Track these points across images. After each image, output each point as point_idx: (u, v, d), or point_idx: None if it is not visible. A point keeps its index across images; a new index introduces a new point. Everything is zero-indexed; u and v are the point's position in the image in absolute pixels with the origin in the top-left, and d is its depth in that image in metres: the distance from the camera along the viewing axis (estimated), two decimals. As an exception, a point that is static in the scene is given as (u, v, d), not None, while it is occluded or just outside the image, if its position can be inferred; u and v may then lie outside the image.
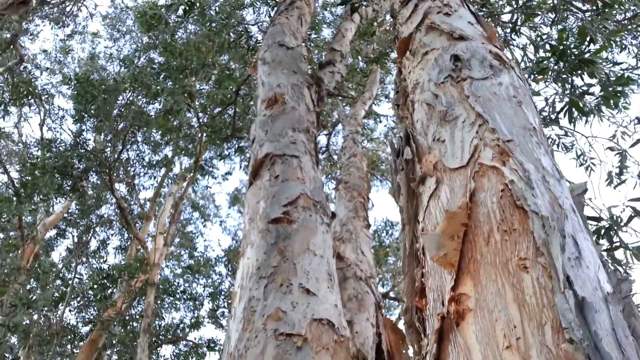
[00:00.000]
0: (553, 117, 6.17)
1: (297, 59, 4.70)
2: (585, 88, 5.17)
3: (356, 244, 4.37)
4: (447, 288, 1.28)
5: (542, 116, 6.08)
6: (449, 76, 1.93)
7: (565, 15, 7.86)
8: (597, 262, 1.21)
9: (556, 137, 6.95)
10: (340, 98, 12.44)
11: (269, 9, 10.59)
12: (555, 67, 5.95)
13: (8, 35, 10.35)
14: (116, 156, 13.01)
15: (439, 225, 1.39)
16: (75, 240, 14.25)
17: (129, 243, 14.62)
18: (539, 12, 7.24)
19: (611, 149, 5.70)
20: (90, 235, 14.65)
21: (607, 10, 6.61)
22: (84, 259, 14.19)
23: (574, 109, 5.08)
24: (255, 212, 2.62)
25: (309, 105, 4.01)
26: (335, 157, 15.59)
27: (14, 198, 10.84)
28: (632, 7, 8.18)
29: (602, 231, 4.98)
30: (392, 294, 11.73)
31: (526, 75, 6.45)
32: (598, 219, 5.05)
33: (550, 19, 7.90)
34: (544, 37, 7.35)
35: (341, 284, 3.67)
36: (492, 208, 1.34)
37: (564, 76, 5.85)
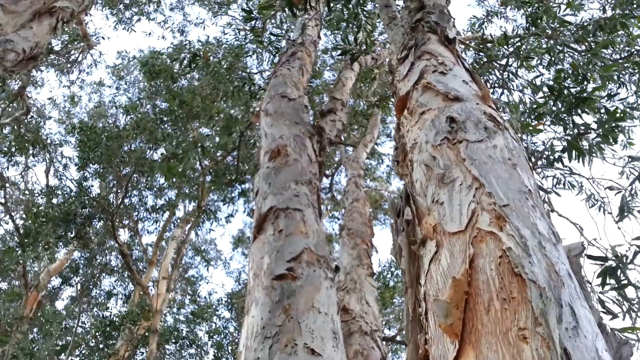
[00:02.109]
0: (555, 157, 6.22)
1: (299, 110, 4.81)
2: (583, 128, 5.25)
3: (361, 294, 4.37)
4: (450, 358, 1.31)
5: (544, 157, 6.15)
6: (445, 138, 1.99)
7: (562, 56, 8.04)
8: (594, 331, 1.24)
9: (561, 176, 6.99)
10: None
11: (271, 56, 10.90)
12: (554, 107, 6.06)
13: (15, 87, 10.62)
14: (119, 202, 13.09)
15: (445, 292, 1.43)
16: (79, 288, 14.17)
17: (132, 289, 14.53)
18: (534, 56, 7.42)
19: (611, 188, 5.73)
20: (93, 282, 14.57)
21: (596, 48, 6.77)
22: (87, 307, 14.07)
23: (573, 151, 5.15)
24: (260, 267, 2.65)
25: (311, 156, 4.09)
26: (338, 196, 15.65)
27: (18, 247, 10.86)
28: (626, 48, 8.37)
29: (609, 271, 4.96)
30: (398, 338, 11.55)
31: (525, 117, 6.56)
32: (604, 259, 5.03)
33: (547, 60, 8.08)
34: (541, 78, 7.50)
35: (346, 339, 3.66)
36: (491, 275, 1.38)
37: (564, 116, 5.95)
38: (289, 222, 2.90)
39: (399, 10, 4.63)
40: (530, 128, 4.81)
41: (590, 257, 4.11)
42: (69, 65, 14.41)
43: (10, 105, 10.86)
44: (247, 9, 5.50)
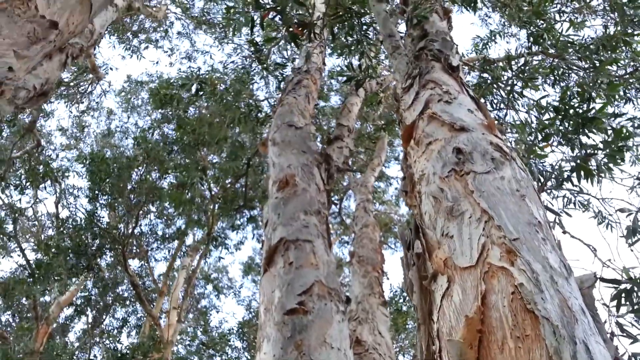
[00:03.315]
0: (564, 177, 6.18)
1: (306, 138, 4.84)
2: (590, 150, 5.23)
3: (373, 324, 4.32)
4: (465, 399, 1.29)
5: (553, 178, 6.11)
6: (452, 170, 2.00)
7: (568, 74, 8.05)
8: (611, 368, 1.22)
9: (571, 196, 6.93)
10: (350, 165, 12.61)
11: (276, 81, 11.03)
12: (561, 127, 6.05)
13: (26, 120, 10.80)
14: (130, 231, 13.14)
15: (459, 331, 1.42)
16: (90, 319, 14.14)
17: (140, 317, 14.48)
18: (538, 76, 7.44)
19: (622, 210, 5.67)
20: (105, 313, 14.54)
21: (601, 66, 6.78)
22: (98, 339, 14.01)
23: (581, 172, 5.13)
24: (271, 302, 2.64)
25: (319, 184, 4.10)
26: (347, 220, 15.61)
27: (29, 280, 10.89)
28: (630, 63, 8.39)
29: (624, 294, 4.88)
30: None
31: (531, 138, 6.56)
32: (618, 282, 4.96)
33: (552, 80, 8.10)
34: (547, 99, 7.51)
35: (360, 372, 3.61)
36: (504, 312, 1.37)
37: (571, 136, 5.93)
38: (299, 254, 2.90)
39: (402, 37, 4.69)
40: (538, 151, 4.79)
41: (603, 280, 4.05)
42: (78, 96, 14.65)
43: (21, 139, 11.03)
44: (254, 41, 5.58)
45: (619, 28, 7.92)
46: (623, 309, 4.67)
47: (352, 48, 6.09)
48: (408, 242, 2.02)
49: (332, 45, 7.29)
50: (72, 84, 13.61)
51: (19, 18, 2.52)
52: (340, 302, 2.65)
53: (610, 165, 5.62)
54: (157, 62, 18.47)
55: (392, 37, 4.02)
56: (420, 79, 3.18)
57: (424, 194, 2.09)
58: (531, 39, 7.92)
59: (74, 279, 12.60)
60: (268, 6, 5.21)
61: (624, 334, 4.21)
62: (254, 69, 10.81)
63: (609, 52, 7.73)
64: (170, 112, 13.26)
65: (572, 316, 1.32)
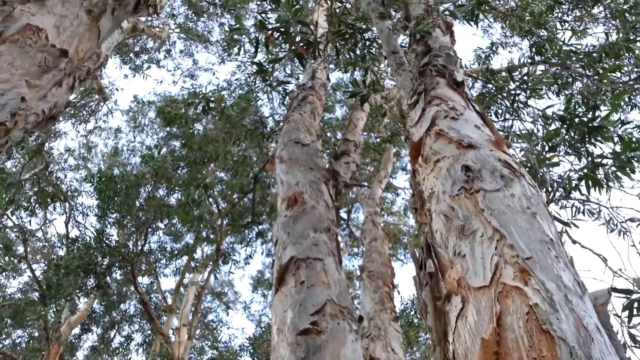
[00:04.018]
0: (573, 186, 6.15)
1: (313, 155, 4.87)
2: (598, 160, 5.21)
3: (386, 341, 4.31)
4: (484, 423, 1.29)
5: (561, 187, 6.08)
6: (462, 188, 2.01)
7: (571, 81, 8.05)
8: (630, 390, 1.22)
9: (580, 205, 6.89)
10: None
11: (280, 97, 11.10)
12: (567, 136, 6.04)
13: (35, 143, 10.92)
14: (139, 249, 13.19)
15: (475, 353, 1.42)
16: (99, 337, 14.14)
17: (152, 338, 14.46)
18: (541, 87, 7.45)
19: (632, 220, 5.64)
20: (114, 332, 14.54)
21: (604, 73, 6.78)
22: (108, 357, 13.99)
23: (590, 182, 5.11)
24: (283, 322, 2.65)
25: (327, 201, 4.12)
26: (355, 231, 15.59)
27: (39, 300, 10.93)
28: (634, 69, 8.39)
29: (637, 304, 4.83)
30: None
31: (538, 148, 6.55)
32: (629, 292, 4.92)
33: (556, 89, 8.10)
34: (552, 109, 7.50)
35: (374, 390, 3.59)
36: (520, 333, 1.37)
37: (578, 145, 5.92)
38: (310, 273, 2.91)
39: (405, 52, 4.73)
40: (547, 162, 4.78)
41: (614, 290, 4.03)
42: (85, 117, 14.81)
43: (30, 161, 11.14)
44: (258, 62, 5.65)
45: (620, 35, 7.94)
46: (635, 319, 4.63)
47: (356, 64, 6.14)
48: (420, 261, 2.02)
49: (336, 61, 7.35)
50: (78, 104, 13.77)
51: (30, 48, 2.58)
52: (353, 321, 2.65)
53: (619, 174, 5.60)
54: (161, 81, 18.68)
55: (396, 54, 4.05)
56: (425, 95, 3.20)
57: (435, 212, 2.11)
58: (533, 49, 7.96)
59: (83, 299, 12.64)
60: (272, 26, 5.28)
61: (637, 345, 4.17)
62: (258, 86, 10.90)
63: (612, 59, 7.75)
64: (176, 130, 13.38)
65: (588, 336, 1.32)
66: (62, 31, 2.94)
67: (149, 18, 11.73)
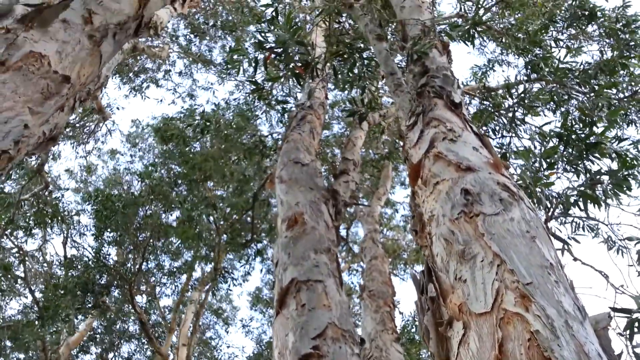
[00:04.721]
0: (571, 202, 6.15)
1: (313, 175, 4.90)
2: (595, 178, 5.24)
3: (387, 362, 4.30)
4: None
5: (560, 205, 6.09)
6: (462, 212, 2.03)
7: (567, 98, 8.11)
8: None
9: (579, 220, 6.88)
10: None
11: (279, 115, 11.16)
12: (565, 153, 6.07)
13: (34, 163, 10.94)
14: (137, 268, 13.14)
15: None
16: (98, 358, 14.01)
17: (151, 358, 14.33)
18: (537, 104, 7.51)
19: (630, 239, 5.65)
20: (113, 352, 14.41)
21: (599, 90, 6.84)
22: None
23: (588, 201, 5.13)
24: (285, 346, 2.64)
25: (327, 221, 4.13)
26: (354, 246, 15.55)
27: (37, 320, 10.85)
28: (629, 86, 8.46)
29: (637, 323, 4.82)
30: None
31: (537, 165, 6.57)
32: (629, 312, 4.90)
33: (552, 105, 8.15)
34: (549, 126, 7.55)
35: (377, 414, 3.56)
36: (522, 360, 1.38)
37: (576, 162, 5.94)
38: (311, 295, 2.91)
39: (403, 72, 4.77)
40: (543, 182, 4.81)
41: (614, 309, 4.02)
42: (84, 137, 14.85)
43: (29, 181, 11.15)
44: (256, 82, 5.70)
45: (615, 52, 8.03)
46: (638, 337, 4.61)
47: (354, 83, 6.19)
48: (421, 285, 2.03)
49: (334, 81, 7.42)
50: (77, 125, 13.83)
51: (33, 75, 2.61)
52: (354, 344, 2.65)
53: (617, 191, 5.61)
54: (160, 101, 18.77)
55: (394, 75, 4.10)
56: (423, 117, 3.23)
57: (435, 235, 2.12)
58: (529, 67, 8.03)
59: (82, 319, 12.55)
60: (270, 47, 5.33)
61: (641, 365, 4.14)
62: (257, 105, 10.97)
63: (607, 76, 7.82)
64: (174, 148, 13.41)
65: (590, 363, 1.33)
66: (65, 57, 2.97)
67: (149, 38, 11.84)
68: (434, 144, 2.75)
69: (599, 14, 8.63)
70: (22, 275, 12.53)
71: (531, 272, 1.64)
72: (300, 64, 5.55)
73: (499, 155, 6.71)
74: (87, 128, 14.29)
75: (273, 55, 5.47)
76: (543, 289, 1.57)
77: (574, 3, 8.65)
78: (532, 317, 1.47)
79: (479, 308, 1.62)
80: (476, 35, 5.90)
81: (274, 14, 4.91)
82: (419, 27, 4.83)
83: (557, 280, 1.64)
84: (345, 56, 5.90)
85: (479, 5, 4.82)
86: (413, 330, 11.49)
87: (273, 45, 5.43)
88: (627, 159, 5.35)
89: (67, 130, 13.87)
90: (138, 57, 14.07)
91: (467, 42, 5.19)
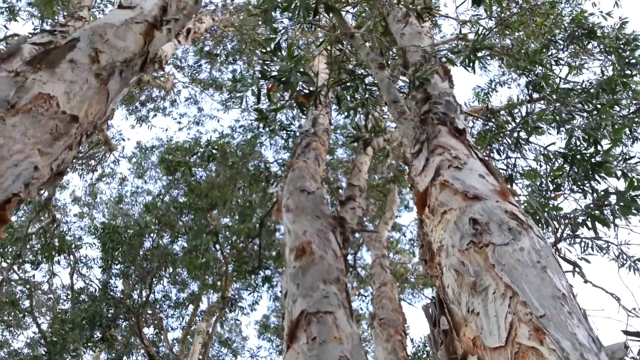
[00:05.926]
0: (580, 222, 6.10)
1: (319, 203, 4.90)
2: (603, 198, 5.21)
3: (400, 393, 4.23)
4: None
5: (568, 226, 6.04)
6: (471, 242, 2.02)
7: (571, 117, 8.11)
8: None
9: (589, 240, 6.81)
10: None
11: (283, 141, 11.24)
12: (570, 173, 6.04)
13: (42, 197, 11.01)
14: (144, 299, 13.07)
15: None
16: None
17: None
18: (541, 125, 7.52)
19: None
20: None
21: (602, 109, 6.84)
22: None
23: (596, 222, 5.09)
24: (297, 381, 2.61)
25: (335, 250, 4.12)
26: (361, 271, 15.42)
27: (45, 355, 10.78)
28: (633, 102, 8.46)
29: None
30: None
31: (542, 186, 6.54)
32: None
33: (556, 125, 8.15)
34: (553, 147, 7.53)
35: None
36: (539, 396, 1.36)
37: (582, 182, 5.91)
38: (322, 328, 2.89)
39: (406, 98, 4.80)
40: (551, 206, 4.79)
41: (627, 332, 3.96)
42: (91, 167, 14.96)
43: (37, 215, 11.21)
44: (260, 110, 5.76)
45: (617, 70, 8.07)
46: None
47: (357, 109, 6.24)
48: (433, 317, 2.02)
49: (337, 108, 7.49)
50: (85, 156, 13.95)
51: (42, 117, 2.65)
52: (367, 377, 2.61)
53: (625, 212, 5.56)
54: (166, 129, 18.95)
55: (397, 103, 4.14)
56: (428, 144, 3.24)
57: (445, 266, 2.11)
58: (530, 87, 8.06)
59: (90, 353, 12.45)
60: (273, 76, 5.40)
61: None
62: (261, 132, 11.06)
63: (609, 95, 7.84)
64: (179, 178, 13.47)
65: (609, 399, 1.31)
66: (73, 97, 3.02)
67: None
68: (439, 172, 2.76)
69: (598, 32, 8.70)
70: (29, 308, 12.48)
71: (544, 303, 1.62)
72: (303, 93, 5.61)
73: (505, 177, 6.70)
74: (95, 158, 14.41)
75: (276, 85, 5.54)
76: (556, 321, 1.55)
77: (572, 23, 8.75)
78: (547, 350, 1.46)
79: (494, 342, 1.60)
80: (476, 61, 5.95)
81: (275, 46, 4.98)
82: (420, 54, 4.88)
83: (570, 311, 1.62)
84: (348, 85, 5.96)
85: (479, 34, 4.87)
86: (425, 357, 11.31)
87: (276, 74, 5.50)
88: (634, 179, 5.33)
89: (74, 160, 13.98)
90: (143, 87, 14.26)
91: (467, 67, 5.23)
